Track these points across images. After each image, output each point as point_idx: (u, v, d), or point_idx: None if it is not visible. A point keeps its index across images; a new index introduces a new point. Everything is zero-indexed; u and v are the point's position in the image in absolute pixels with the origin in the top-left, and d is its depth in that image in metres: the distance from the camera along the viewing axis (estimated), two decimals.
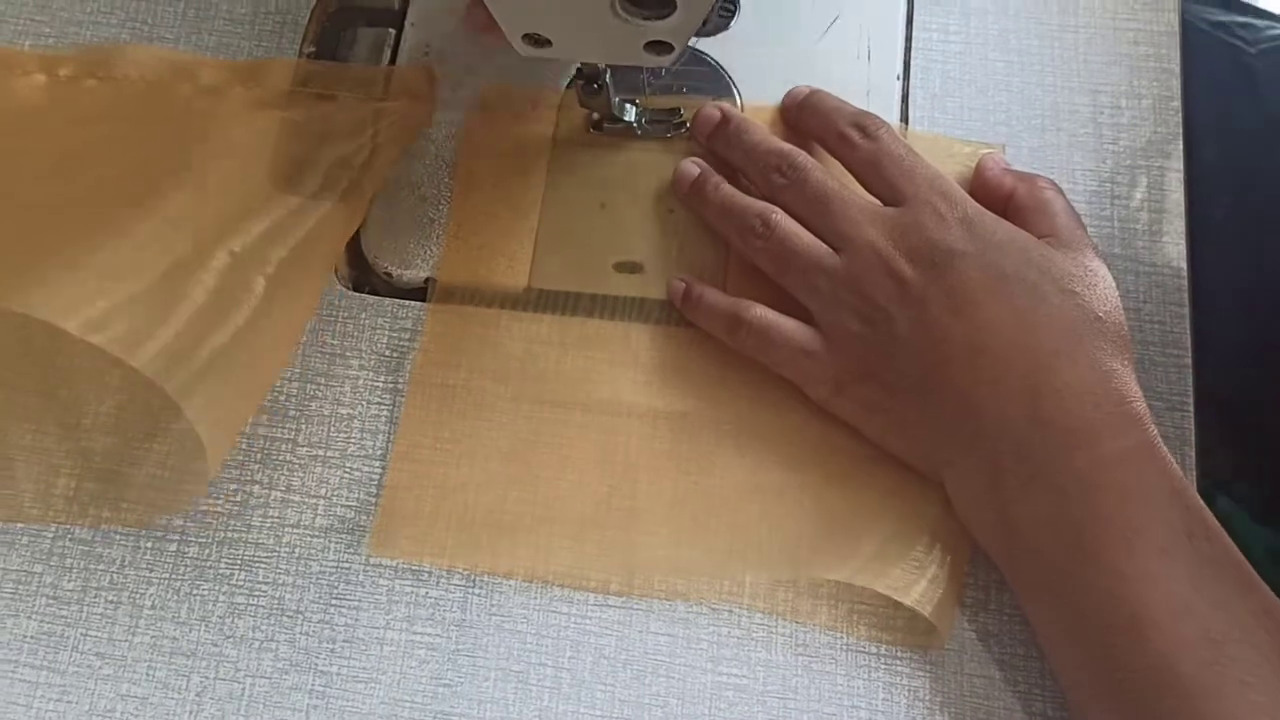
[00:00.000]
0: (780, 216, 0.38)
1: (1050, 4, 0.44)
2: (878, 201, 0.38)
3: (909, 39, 0.44)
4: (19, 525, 0.39)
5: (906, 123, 0.43)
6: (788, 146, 0.39)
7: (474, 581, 0.38)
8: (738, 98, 0.43)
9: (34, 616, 0.38)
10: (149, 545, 0.39)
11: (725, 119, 0.41)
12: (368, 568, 0.38)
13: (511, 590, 0.38)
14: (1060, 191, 0.39)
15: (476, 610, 0.38)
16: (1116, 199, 0.42)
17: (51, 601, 0.38)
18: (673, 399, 0.40)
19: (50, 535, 0.39)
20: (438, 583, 0.38)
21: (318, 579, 0.38)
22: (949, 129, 0.43)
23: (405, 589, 0.38)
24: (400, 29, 0.45)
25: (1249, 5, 0.48)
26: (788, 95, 0.42)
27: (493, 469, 0.39)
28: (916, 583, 0.36)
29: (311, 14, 0.46)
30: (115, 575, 0.39)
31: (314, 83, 0.44)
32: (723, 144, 0.41)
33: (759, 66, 0.43)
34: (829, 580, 0.37)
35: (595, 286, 0.41)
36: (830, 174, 0.38)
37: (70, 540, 0.39)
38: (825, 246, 0.37)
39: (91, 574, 0.39)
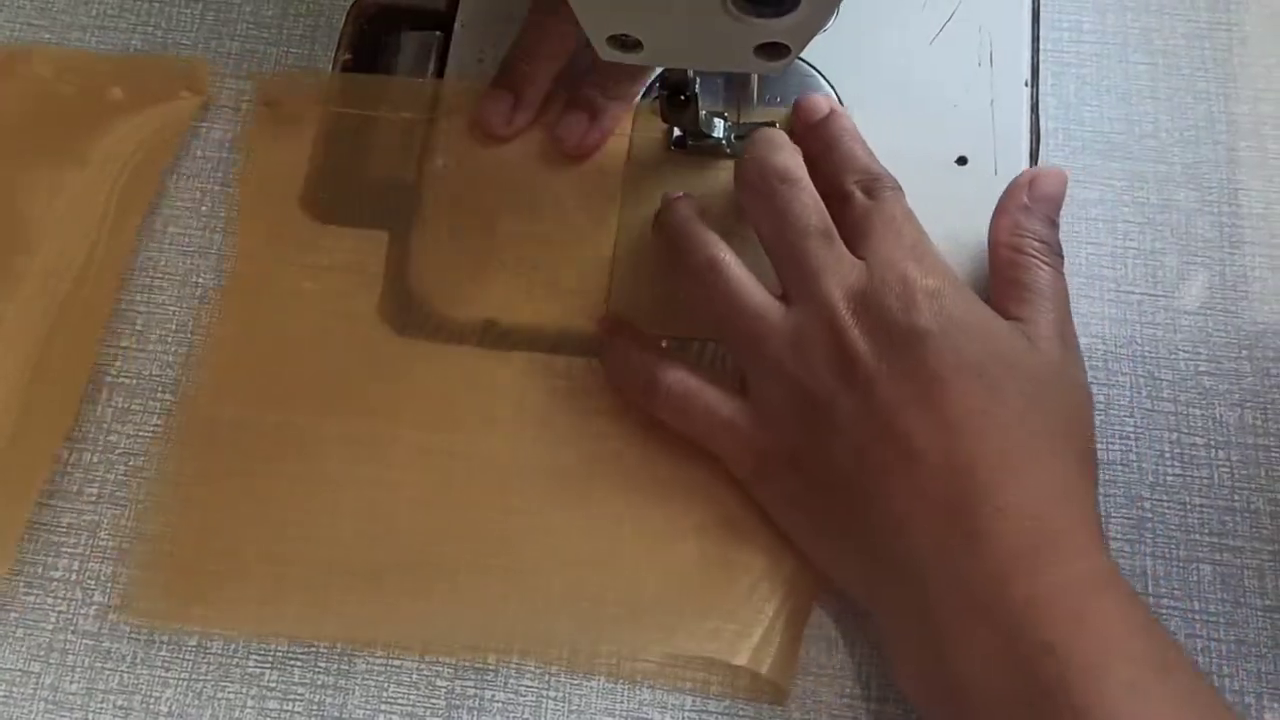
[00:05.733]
0: (730, 258, 0.33)
1: None
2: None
3: (1036, 39, 0.38)
4: (14, 615, 0.34)
5: (1037, 137, 0.37)
6: (789, 161, 0.33)
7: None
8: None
9: None
10: (164, 639, 0.33)
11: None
12: (420, 665, 0.33)
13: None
14: (1050, 265, 0.32)
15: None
16: None
17: (51, 706, 0.33)
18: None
19: (49, 628, 0.33)
20: (506, 684, 0.32)
21: (364, 679, 0.33)
22: (1087, 142, 0.37)
23: (468, 690, 0.32)
24: (449, 32, 0.39)
25: None
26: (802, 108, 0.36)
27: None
28: (746, 640, 0.32)
29: (347, 17, 0.40)
30: (125, 675, 0.33)
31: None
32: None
33: (862, 73, 0.38)
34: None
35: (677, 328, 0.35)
36: (822, 207, 0.32)
37: (72, 633, 0.33)
38: (775, 302, 0.32)
39: (98, 674, 0.33)
